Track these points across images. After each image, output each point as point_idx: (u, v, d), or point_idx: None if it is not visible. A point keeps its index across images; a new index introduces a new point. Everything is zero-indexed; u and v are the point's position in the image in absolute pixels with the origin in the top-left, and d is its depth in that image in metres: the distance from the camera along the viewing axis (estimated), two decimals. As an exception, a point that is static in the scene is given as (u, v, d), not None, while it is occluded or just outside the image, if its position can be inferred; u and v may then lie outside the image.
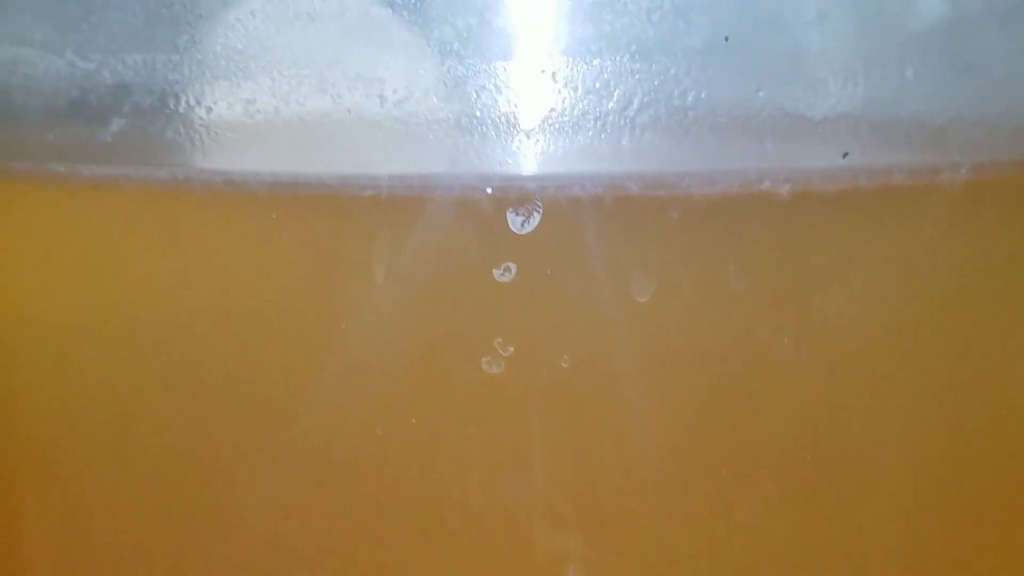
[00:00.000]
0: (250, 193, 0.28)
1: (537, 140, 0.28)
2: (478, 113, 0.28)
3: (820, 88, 0.27)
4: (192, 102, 0.28)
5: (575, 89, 0.28)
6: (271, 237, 0.28)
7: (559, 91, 0.28)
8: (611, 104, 0.27)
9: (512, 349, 0.27)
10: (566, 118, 0.28)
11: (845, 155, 0.27)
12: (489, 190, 0.27)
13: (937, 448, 0.29)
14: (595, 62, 0.28)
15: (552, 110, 0.28)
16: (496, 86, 0.28)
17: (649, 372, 0.28)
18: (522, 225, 0.26)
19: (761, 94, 0.27)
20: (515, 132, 0.28)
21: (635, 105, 0.27)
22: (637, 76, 0.27)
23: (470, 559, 0.28)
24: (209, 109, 0.28)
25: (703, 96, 0.27)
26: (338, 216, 0.28)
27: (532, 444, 0.28)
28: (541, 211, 0.26)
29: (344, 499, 0.28)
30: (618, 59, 0.28)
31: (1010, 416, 0.30)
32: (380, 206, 0.27)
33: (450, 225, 0.27)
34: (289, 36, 0.28)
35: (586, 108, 0.27)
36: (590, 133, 0.27)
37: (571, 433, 0.28)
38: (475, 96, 0.28)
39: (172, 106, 0.29)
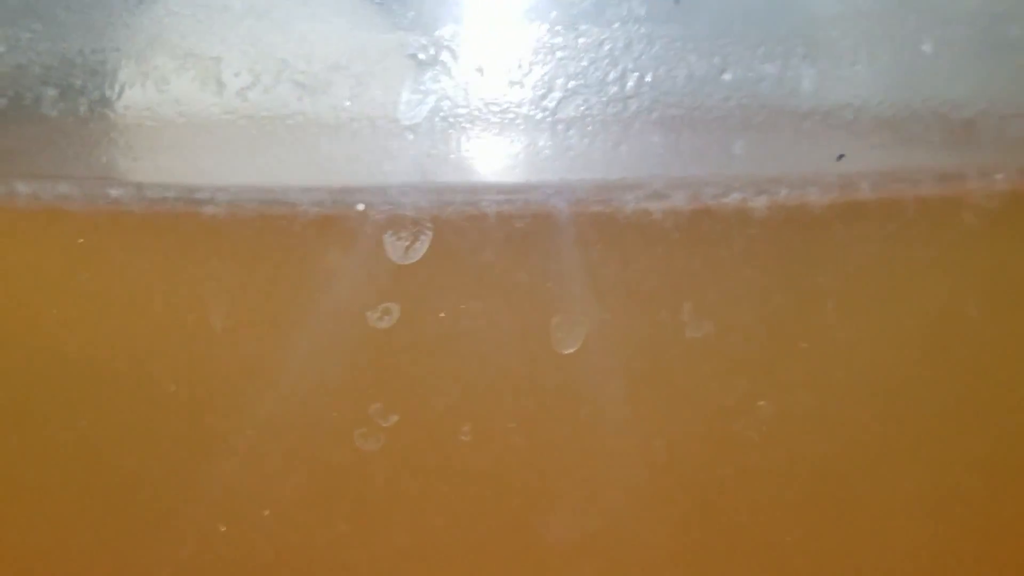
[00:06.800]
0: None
1: (419, 138, 0.22)
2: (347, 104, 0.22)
3: (808, 67, 0.22)
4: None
5: (479, 70, 0.22)
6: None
7: (448, 68, 0.21)
8: (525, 91, 0.22)
9: (395, 418, 0.21)
10: (461, 110, 0.22)
11: (840, 157, 0.22)
12: (361, 206, 0.21)
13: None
14: (504, 32, 0.22)
15: (442, 99, 0.21)
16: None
17: (574, 457, 0.22)
18: (406, 252, 0.21)
19: (727, 76, 0.22)
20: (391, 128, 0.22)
21: (556, 92, 0.22)
22: (559, 53, 0.22)
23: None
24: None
25: (647, 80, 0.22)
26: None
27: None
28: (430, 234, 0.21)
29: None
30: (534, 31, 0.22)
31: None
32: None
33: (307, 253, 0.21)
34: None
35: (492, 96, 0.22)
36: (494, 129, 0.22)
37: (475, 537, 0.22)
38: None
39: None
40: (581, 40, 0.21)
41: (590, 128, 0.21)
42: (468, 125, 0.22)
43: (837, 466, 0.22)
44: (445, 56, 0.21)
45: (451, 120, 0.21)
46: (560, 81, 0.21)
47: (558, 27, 0.21)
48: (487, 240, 0.21)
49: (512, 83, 0.21)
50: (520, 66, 0.21)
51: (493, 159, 0.22)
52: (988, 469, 0.23)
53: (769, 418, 0.21)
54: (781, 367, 0.21)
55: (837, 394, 0.22)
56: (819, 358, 0.21)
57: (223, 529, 0.22)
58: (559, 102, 0.21)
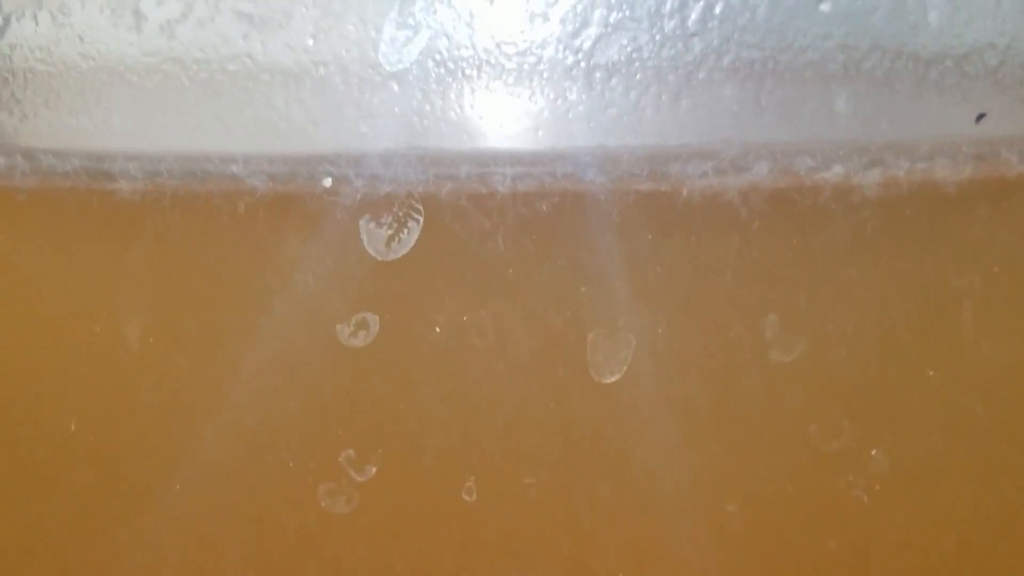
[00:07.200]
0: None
1: (406, 89, 0.17)
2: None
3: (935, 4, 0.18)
4: None
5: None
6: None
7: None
8: (551, 26, 0.17)
9: (373, 470, 0.18)
10: (464, 51, 0.17)
11: (980, 118, 0.18)
12: (327, 181, 0.17)
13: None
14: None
15: (437, 36, 0.17)
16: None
17: (616, 526, 0.17)
18: (388, 244, 0.17)
19: (826, 6, 0.18)
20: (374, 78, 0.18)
21: (593, 28, 0.17)
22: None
23: None
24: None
25: (716, 10, 0.17)
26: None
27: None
28: (421, 219, 0.17)
29: None
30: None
31: None
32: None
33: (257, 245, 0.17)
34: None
35: (505, 33, 0.17)
36: (508, 78, 0.17)
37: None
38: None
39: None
40: (628, -45, 0.17)
41: (639, 77, 0.17)
42: (473, 72, 0.17)
43: (988, 542, 0.17)
44: (442, -24, 0.17)
45: (450, 66, 0.17)
46: (599, 12, 0.17)
47: (596, -63, 0.17)
48: (498, 228, 0.17)
49: (533, 15, 0.17)
50: (545, -9, 0.17)
51: (507, 119, 0.18)
52: None
53: (886, 475, 0.17)
54: (902, 403, 0.18)
55: (980, 441, 0.18)
56: (954, 391, 0.18)
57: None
58: (597, 41, 0.17)
